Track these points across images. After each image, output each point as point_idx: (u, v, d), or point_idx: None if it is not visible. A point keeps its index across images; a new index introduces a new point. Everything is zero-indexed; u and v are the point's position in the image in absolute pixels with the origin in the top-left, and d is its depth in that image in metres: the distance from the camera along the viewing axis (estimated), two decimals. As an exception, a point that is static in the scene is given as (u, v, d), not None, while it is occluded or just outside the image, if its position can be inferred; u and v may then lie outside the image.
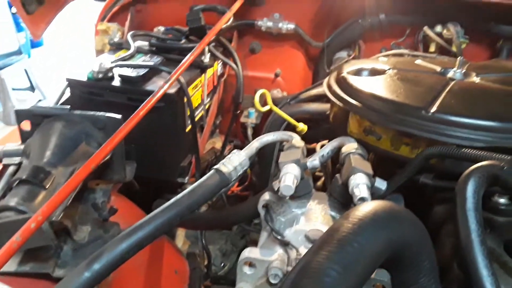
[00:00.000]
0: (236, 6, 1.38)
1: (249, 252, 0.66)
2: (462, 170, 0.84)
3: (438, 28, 1.56)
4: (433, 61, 1.16)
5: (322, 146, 1.36)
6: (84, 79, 1.25)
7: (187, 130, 1.34)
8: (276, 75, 1.69)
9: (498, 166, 0.69)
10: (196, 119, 1.36)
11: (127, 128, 0.83)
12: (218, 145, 1.65)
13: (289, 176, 0.75)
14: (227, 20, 1.33)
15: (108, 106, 1.24)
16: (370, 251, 0.53)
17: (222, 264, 1.82)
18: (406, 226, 0.59)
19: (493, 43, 1.57)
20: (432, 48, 1.58)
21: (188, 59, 1.11)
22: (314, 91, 1.50)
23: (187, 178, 1.42)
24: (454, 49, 1.53)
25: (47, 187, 0.88)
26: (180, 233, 1.61)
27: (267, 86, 1.69)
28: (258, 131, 1.71)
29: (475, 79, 1.01)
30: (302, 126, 1.37)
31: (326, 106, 1.35)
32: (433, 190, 0.88)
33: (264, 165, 1.48)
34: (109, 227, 1.01)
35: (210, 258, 1.56)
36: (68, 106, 1.03)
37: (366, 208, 0.58)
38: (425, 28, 1.54)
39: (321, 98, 1.50)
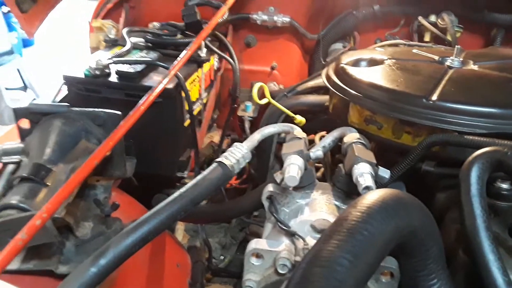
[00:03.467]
0: (231, 0, 1.38)
1: (256, 243, 0.66)
2: (464, 157, 0.84)
3: (432, 18, 1.57)
4: (430, 50, 1.16)
5: (321, 137, 1.37)
6: (81, 76, 1.24)
7: (185, 124, 1.33)
8: (272, 68, 1.69)
9: (501, 152, 0.69)
10: (194, 113, 1.36)
11: (128, 123, 0.83)
12: (216, 139, 1.65)
13: (293, 167, 0.75)
14: (222, 14, 1.32)
15: (105, 102, 1.23)
16: (379, 239, 0.53)
17: (222, 257, 1.83)
18: (414, 213, 0.59)
19: (487, 31, 1.58)
20: (427, 37, 1.59)
21: (186, 54, 1.10)
22: (310, 83, 1.50)
23: (186, 172, 1.42)
24: (448, 38, 1.54)
25: (48, 184, 0.88)
26: (180, 227, 1.62)
27: (263, 79, 1.70)
28: (255, 124, 1.71)
29: (473, 66, 1.02)
30: (300, 118, 1.37)
31: (324, 97, 1.35)
32: (435, 177, 0.89)
33: (263, 158, 1.48)
34: (111, 222, 1.01)
35: (211, 251, 1.56)
36: (67, 104, 1.02)
37: (374, 196, 0.58)
38: (420, 18, 1.55)
39: (318, 90, 1.50)
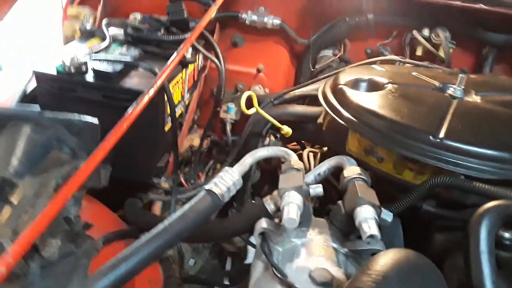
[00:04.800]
0: (221, -1, 1.29)
1: (251, 298, 0.60)
2: (468, 201, 0.81)
3: (426, 32, 1.53)
4: (430, 73, 1.11)
5: (310, 153, 1.31)
6: (54, 73, 1.12)
7: (166, 129, 1.25)
8: (259, 71, 1.61)
9: (514, 207, 0.65)
10: (176, 116, 1.27)
11: (113, 139, 0.74)
12: (196, 142, 1.57)
13: (292, 207, 0.69)
14: (212, 14, 1.23)
15: (80, 102, 1.14)
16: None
17: (195, 262, 1.76)
18: (429, 281, 0.54)
19: (479, 49, 1.56)
20: (419, 51, 1.56)
21: (173, 60, 1.02)
22: (298, 92, 1.43)
23: (163, 178, 1.34)
24: (441, 54, 1.51)
25: (13, 201, 0.78)
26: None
27: (248, 81, 1.62)
28: (237, 127, 1.63)
29: (475, 98, 0.98)
30: (287, 129, 1.31)
31: (313, 109, 1.30)
32: (433, 216, 0.85)
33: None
34: (81, 240, 0.92)
35: (183, 261, 1.49)
36: (38, 108, 0.91)
37: (387, 260, 0.53)
38: (415, 32, 1.51)
39: (305, 98, 1.45)
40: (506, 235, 0.74)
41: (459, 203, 0.81)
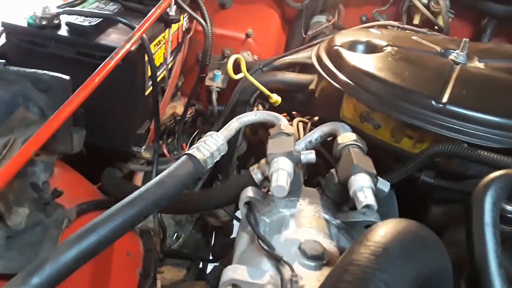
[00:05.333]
0: (209, -48, 1.19)
1: (234, 272, 0.53)
2: (468, 171, 0.75)
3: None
4: (430, 38, 1.05)
5: (300, 122, 1.25)
6: (24, 24, 1.03)
7: (146, 93, 1.17)
8: (247, 36, 1.52)
9: (523, 178, 0.60)
10: (157, 80, 1.19)
11: (84, 93, 0.66)
12: (179, 109, 1.49)
13: (282, 174, 0.62)
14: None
15: (52, 59, 1.05)
16: (397, 291, 0.43)
17: (176, 234, 1.70)
18: (434, 254, 0.49)
19: (478, 19, 1.50)
20: (417, 20, 1.50)
21: (153, 13, 0.93)
22: (289, 59, 1.36)
23: (143, 147, 1.27)
24: (439, 22, 1.44)
25: (-26, 162, 0.71)
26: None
27: (236, 47, 1.54)
28: (223, 95, 1.55)
29: (478, 64, 0.92)
30: (276, 98, 1.24)
31: (304, 77, 1.23)
32: (432, 187, 0.80)
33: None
34: (50, 209, 0.85)
35: (165, 235, 1.43)
36: (3, 61, 0.82)
37: (388, 230, 0.47)
38: (414, -1, 1.43)
39: (295, 66, 1.38)
40: (509, 208, 0.69)
41: (458, 174, 0.76)
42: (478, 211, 0.60)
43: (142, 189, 0.65)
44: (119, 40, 1.04)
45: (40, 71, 0.84)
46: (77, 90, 0.71)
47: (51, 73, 0.84)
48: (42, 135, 0.62)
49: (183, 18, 1.34)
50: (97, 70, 0.74)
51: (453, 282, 0.54)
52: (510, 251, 0.66)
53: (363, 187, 0.63)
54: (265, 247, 0.59)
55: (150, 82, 1.16)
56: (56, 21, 1.04)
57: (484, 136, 0.71)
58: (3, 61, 0.83)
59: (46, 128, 0.62)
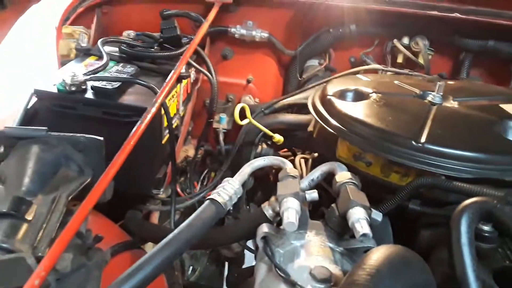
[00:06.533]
0: (212, 15, 1.35)
1: (259, 296, 0.66)
2: (449, 199, 0.89)
3: (406, 40, 1.62)
4: (411, 81, 1.19)
5: (302, 159, 1.38)
6: (54, 91, 1.17)
7: (163, 141, 1.30)
8: (248, 81, 1.68)
9: (491, 203, 0.73)
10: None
11: (122, 156, 0.80)
12: (191, 152, 1.63)
13: (291, 212, 0.75)
14: (204, 31, 1.29)
15: (81, 119, 1.19)
16: (389, 304, 0.55)
17: (192, 268, 1.80)
18: (418, 272, 0.61)
19: (456, 54, 1.65)
20: (400, 59, 1.64)
21: (171, 77, 1.08)
22: (287, 101, 1.50)
23: (162, 189, 1.40)
24: (420, 61, 1.60)
25: (29, 219, 0.83)
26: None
27: (238, 92, 1.69)
28: (229, 136, 1.69)
29: (453, 103, 1.06)
30: (278, 137, 1.38)
31: (303, 117, 1.37)
32: (419, 214, 0.92)
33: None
34: (92, 253, 0.97)
35: (185, 268, 1.54)
36: (45, 128, 0.96)
37: (380, 255, 0.60)
38: (395, 41, 1.59)
39: (294, 106, 1.52)
40: (485, 228, 0.81)
41: (441, 201, 0.89)
42: (456, 233, 0.72)
43: (175, 231, 0.77)
44: (139, 99, 1.18)
45: (77, 135, 0.98)
46: (118, 152, 0.84)
47: (87, 136, 0.97)
48: (95, 194, 0.75)
49: (191, 72, 1.49)
50: (131, 134, 0.88)
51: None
52: (487, 264, 0.78)
53: (360, 218, 0.75)
54: (282, 275, 0.71)
55: (166, 131, 1.30)
56: (83, 86, 1.18)
57: (459, 169, 0.85)
58: (46, 128, 0.96)
59: (98, 188, 0.76)
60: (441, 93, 1.05)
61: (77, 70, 1.23)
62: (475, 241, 0.79)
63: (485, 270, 0.76)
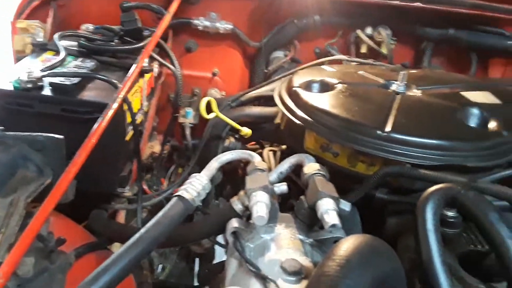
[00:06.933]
0: (174, 7, 1.32)
1: (229, 292, 0.65)
2: (414, 186, 0.90)
3: (369, 30, 1.64)
4: (375, 71, 1.21)
5: (270, 151, 1.38)
6: (10, 88, 1.12)
7: (127, 138, 1.27)
8: (214, 74, 1.65)
9: (455, 190, 0.74)
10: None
11: (84, 155, 0.77)
12: (157, 148, 1.59)
13: (260, 206, 0.75)
14: (167, 24, 1.26)
15: (38, 117, 1.14)
16: (358, 292, 0.55)
17: (161, 266, 1.77)
18: (386, 260, 0.62)
19: (418, 43, 1.68)
20: (363, 49, 1.65)
21: (133, 71, 1.04)
22: (254, 93, 1.49)
23: (127, 187, 1.36)
24: (383, 51, 1.62)
25: (-15, 224, 0.79)
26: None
27: (204, 85, 1.67)
28: (196, 130, 1.67)
29: (416, 92, 1.07)
30: (246, 131, 1.37)
31: (269, 109, 1.36)
32: (386, 202, 0.94)
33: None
34: (55, 256, 0.93)
35: (153, 267, 1.51)
36: (1, 128, 0.92)
37: (349, 245, 0.60)
38: (358, 32, 1.60)
39: (261, 99, 1.51)
40: (450, 213, 0.83)
41: (407, 189, 0.91)
42: (421, 220, 0.73)
43: (142, 230, 0.75)
44: (99, 95, 1.14)
45: (34, 134, 0.93)
46: (78, 151, 0.81)
47: (45, 134, 0.93)
48: (55, 195, 0.71)
49: (154, 66, 1.45)
50: (92, 131, 0.85)
51: (406, 281, 0.67)
52: (453, 249, 0.80)
53: (328, 209, 0.75)
54: (252, 269, 0.70)
55: (130, 127, 1.26)
56: (40, 83, 1.13)
57: (423, 157, 0.86)
58: (1, 127, 0.92)
59: (58, 188, 0.72)
60: (405, 82, 1.06)
61: (34, 66, 1.18)
62: (440, 227, 0.81)
63: (451, 255, 0.78)
